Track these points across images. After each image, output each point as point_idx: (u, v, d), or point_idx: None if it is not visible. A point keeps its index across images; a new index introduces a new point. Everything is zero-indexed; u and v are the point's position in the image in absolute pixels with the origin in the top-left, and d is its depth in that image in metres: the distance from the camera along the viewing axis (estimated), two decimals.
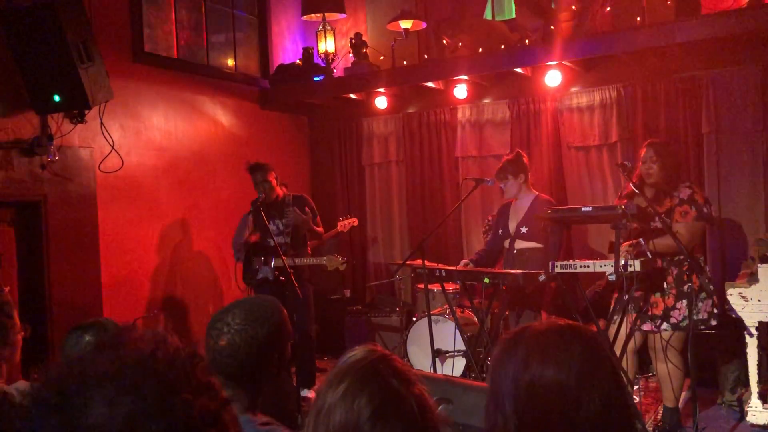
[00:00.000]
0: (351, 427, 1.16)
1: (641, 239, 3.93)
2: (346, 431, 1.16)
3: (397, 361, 1.26)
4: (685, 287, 4.03)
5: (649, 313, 4.10)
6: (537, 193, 4.86)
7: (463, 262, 5.02)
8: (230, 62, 6.46)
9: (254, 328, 1.83)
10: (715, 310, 4.08)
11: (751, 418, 4.19)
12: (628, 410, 1.25)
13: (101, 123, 4.81)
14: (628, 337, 4.03)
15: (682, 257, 4.02)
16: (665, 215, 4.00)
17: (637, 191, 4.05)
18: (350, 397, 1.18)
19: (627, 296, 3.87)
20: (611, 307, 4.24)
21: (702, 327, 4.08)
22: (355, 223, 6.12)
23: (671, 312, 4.06)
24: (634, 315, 4.11)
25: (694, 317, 4.02)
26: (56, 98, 4.35)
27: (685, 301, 4.03)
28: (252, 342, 1.82)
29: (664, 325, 4.06)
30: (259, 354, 1.84)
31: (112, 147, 4.93)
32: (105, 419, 0.68)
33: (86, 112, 4.67)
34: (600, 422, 1.18)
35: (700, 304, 4.05)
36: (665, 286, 4.09)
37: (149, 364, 0.74)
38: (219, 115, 6.18)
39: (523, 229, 4.70)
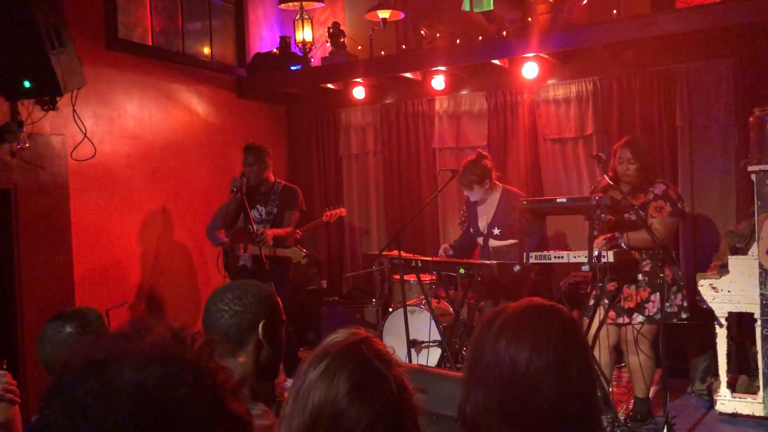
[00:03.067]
0: (329, 404, 1.15)
1: (617, 233, 3.97)
2: (324, 408, 1.16)
3: (379, 344, 1.27)
4: (659, 279, 4.09)
5: (624, 306, 4.15)
6: (503, 186, 4.85)
7: (443, 246, 5.02)
8: (206, 50, 6.38)
9: (251, 310, 1.86)
10: (685, 304, 4.15)
11: (719, 406, 4.27)
12: (597, 399, 1.27)
13: (73, 110, 4.72)
14: (599, 326, 4.08)
15: (656, 251, 4.08)
16: (639, 210, 4.05)
17: (612, 183, 4.09)
18: (330, 375, 1.18)
19: (600, 285, 3.92)
20: (589, 299, 4.28)
21: (673, 320, 4.15)
22: (343, 213, 6.05)
23: (645, 304, 4.11)
24: (606, 307, 4.16)
25: (668, 310, 4.08)
26: (26, 84, 4.26)
27: (659, 294, 4.09)
28: (250, 324, 1.85)
29: (639, 318, 4.12)
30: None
31: (85, 135, 4.85)
32: (137, 382, 0.73)
33: (58, 98, 4.58)
34: (570, 406, 1.20)
35: (672, 297, 4.11)
36: (639, 278, 4.14)
37: (174, 341, 0.80)
38: (194, 104, 6.11)
39: (496, 231, 4.70)
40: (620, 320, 4.16)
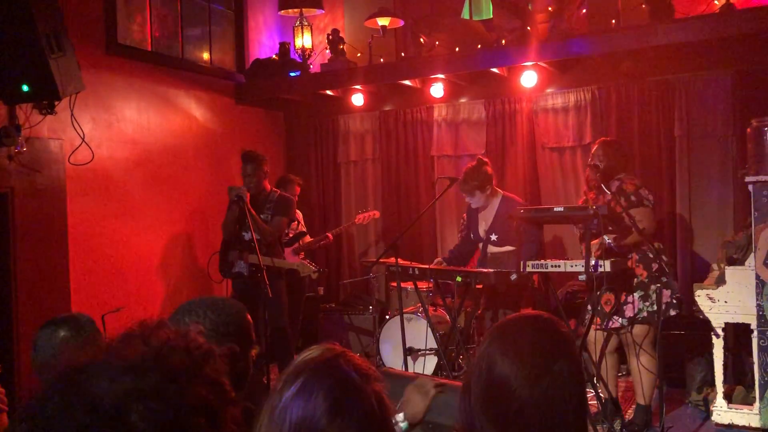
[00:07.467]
0: (308, 422, 1.11)
1: (605, 237, 3.99)
2: (303, 427, 1.11)
3: (357, 358, 1.23)
4: (634, 280, 4.12)
5: (606, 310, 4.18)
6: (503, 193, 4.87)
7: (436, 260, 5.04)
8: (205, 56, 6.39)
9: (219, 334, 1.80)
10: (674, 301, 4.16)
11: (716, 417, 4.26)
12: (584, 410, 1.29)
13: (72, 114, 4.71)
14: (585, 334, 4.10)
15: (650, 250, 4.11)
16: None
17: (609, 192, 4.11)
18: (307, 392, 1.13)
19: (597, 294, 3.93)
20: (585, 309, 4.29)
21: (660, 318, 4.15)
22: (377, 216, 6.00)
23: (624, 307, 4.13)
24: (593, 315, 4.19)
25: (649, 309, 4.10)
26: (25, 88, 4.25)
27: (635, 295, 4.12)
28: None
29: (621, 321, 4.14)
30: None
31: (83, 139, 4.84)
32: (104, 392, 0.75)
33: (56, 103, 4.58)
34: (554, 417, 1.22)
35: (651, 295, 4.13)
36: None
37: (161, 351, 0.81)
38: (193, 109, 6.11)
39: (493, 237, 4.72)
40: (604, 324, 4.18)
